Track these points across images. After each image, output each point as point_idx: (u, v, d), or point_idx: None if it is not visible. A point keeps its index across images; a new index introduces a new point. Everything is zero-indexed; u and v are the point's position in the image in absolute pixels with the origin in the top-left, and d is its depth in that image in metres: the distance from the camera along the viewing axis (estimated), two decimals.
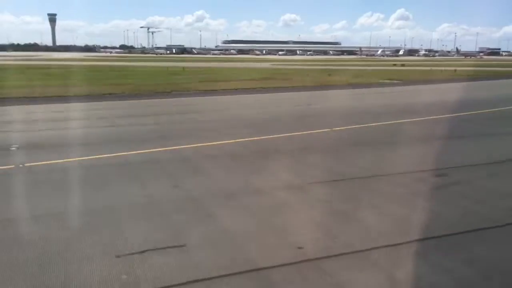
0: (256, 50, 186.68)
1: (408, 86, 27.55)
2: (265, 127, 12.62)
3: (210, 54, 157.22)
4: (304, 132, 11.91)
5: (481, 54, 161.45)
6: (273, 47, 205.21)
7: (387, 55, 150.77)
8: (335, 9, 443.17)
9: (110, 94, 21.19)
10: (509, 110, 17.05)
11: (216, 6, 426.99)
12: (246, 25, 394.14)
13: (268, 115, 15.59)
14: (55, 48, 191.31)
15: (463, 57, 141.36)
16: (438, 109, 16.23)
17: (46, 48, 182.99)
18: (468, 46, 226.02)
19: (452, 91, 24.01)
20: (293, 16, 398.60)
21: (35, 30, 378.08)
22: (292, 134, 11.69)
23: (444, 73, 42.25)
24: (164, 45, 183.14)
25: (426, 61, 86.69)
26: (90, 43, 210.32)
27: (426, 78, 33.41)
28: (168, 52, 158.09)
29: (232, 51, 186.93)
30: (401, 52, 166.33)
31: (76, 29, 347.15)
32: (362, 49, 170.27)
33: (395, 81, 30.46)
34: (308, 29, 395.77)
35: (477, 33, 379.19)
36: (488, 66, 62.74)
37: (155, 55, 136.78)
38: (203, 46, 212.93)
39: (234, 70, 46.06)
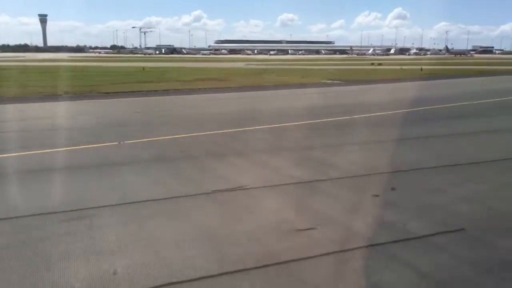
0: (247, 50, 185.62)
1: (343, 87, 26.05)
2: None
3: (199, 54, 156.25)
4: (78, 147, 9.66)
5: (472, 52, 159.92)
6: (265, 47, 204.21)
7: (377, 54, 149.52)
8: (332, 8, 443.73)
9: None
10: (394, 115, 14.87)
11: (214, 6, 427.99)
12: (243, 25, 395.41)
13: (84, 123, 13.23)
14: (45, 49, 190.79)
15: (454, 55, 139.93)
16: (313, 113, 14.16)
17: (36, 49, 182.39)
18: (464, 44, 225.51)
19: (384, 91, 22.83)
20: (290, 15, 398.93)
21: (32, 31, 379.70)
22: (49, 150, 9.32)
23: (404, 72, 40.98)
24: (155, 45, 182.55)
25: (410, 60, 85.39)
26: (88, 43, 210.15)
27: (378, 78, 32.14)
28: (157, 52, 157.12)
29: (223, 51, 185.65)
30: (392, 51, 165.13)
31: (74, 30, 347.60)
32: (353, 48, 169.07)
33: (337, 81, 29.17)
34: (305, 29, 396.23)
35: (469, 31, 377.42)
36: (465, 64, 61.42)
37: (143, 55, 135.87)
38: (200, 46, 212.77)
39: (195, 70, 44.84)
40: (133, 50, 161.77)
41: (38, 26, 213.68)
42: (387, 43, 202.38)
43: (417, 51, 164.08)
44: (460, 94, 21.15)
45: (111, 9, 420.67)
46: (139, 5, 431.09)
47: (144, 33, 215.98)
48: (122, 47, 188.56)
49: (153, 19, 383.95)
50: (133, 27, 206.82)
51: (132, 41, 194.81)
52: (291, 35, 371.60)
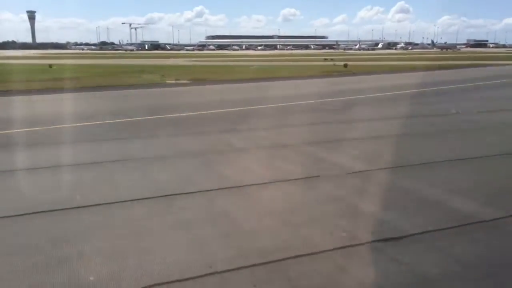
0: (234, 45, 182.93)
1: (168, 88, 22.64)
2: None
3: (183, 50, 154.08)
4: None
5: (462, 46, 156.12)
6: (256, 42, 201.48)
7: (363, 49, 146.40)
8: (335, 2, 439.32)
9: None
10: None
11: (216, 1, 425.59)
12: (246, 20, 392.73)
13: None
14: (32, 45, 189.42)
15: (440, 50, 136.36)
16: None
17: (22, 46, 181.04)
18: (464, 37, 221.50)
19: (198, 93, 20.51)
20: (292, 10, 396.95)
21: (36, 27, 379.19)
22: None
23: (318, 69, 38.02)
24: (140, 41, 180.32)
25: (377, 55, 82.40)
26: (91, 40, 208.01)
27: (262, 76, 29.04)
28: (140, 48, 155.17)
29: (211, 46, 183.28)
30: (380, 46, 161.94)
31: (76, 26, 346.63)
32: (339, 42, 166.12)
33: (184, 82, 25.92)
34: (308, 24, 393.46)
35: (460, 23, 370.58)
36: (425, 59, 58.29)
37: (124, 51, 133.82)
38: (192, 42, 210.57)
39: (130, 67, 42.04)
40: (114, 47, 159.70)
41: (41, 24, 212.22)
42: (390, 38, 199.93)
43: (405, 45, 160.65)
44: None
45: (113, 5, 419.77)
46: (141, 1, 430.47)
47: (135, 29, 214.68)
48: (113, 44, 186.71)
49: (155, 15, 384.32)
50: (123, 23, 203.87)
51: (132, 38, 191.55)
52: (279, 29, 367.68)
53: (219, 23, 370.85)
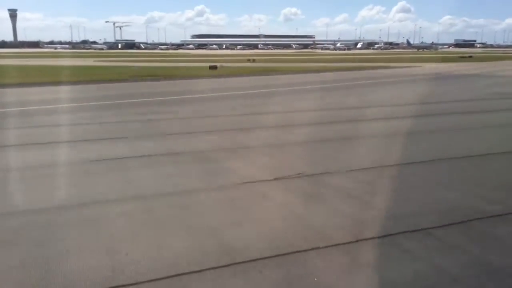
0: (213, 45, 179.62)
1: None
2: None
3: (157, 49, 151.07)
4: None
5: (442, 46, 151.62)
6: (241, 42, 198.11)
7: (340, 49, 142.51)
8: (336, 2, 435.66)
9: None
10: None
11: (217, 0, 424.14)
12: (247, 20, 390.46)
13: None
14: (13, 44, 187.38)
15: (416, 49, 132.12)
16: None
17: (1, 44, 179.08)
18: (465, 37, 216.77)
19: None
20: (293, 10, 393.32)
21: (34, 26, 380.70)
22: None
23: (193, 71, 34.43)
24: (114, 39, 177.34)
25: (335, 55, 78.70)
26: (91, 39, 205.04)
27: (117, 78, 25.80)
28: (113, 47, 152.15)
29: (190, 46, 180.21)
30: (359, 45, 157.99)
31: (77, 25, 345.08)
32: (316, 42, 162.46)
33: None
34: (309, 23, 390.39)
35: (445, 24, 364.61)
36: (371, 61, 54.59)
37: (94, 50, 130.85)
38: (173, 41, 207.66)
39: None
40: (85, 46, 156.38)
41: (43, 22, 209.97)
42: (392, 37, 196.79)
43: (384, 45, 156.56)
44: None
45: (115, 4, 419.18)
46: (143, 0, 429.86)
47: (120, 28, 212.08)
48: (94, 42, 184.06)
49: (156, 14, 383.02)
50: (106, 22, 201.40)
51: (117, 36, 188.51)
52: (259, 29, 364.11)
53: (220, 22, 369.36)
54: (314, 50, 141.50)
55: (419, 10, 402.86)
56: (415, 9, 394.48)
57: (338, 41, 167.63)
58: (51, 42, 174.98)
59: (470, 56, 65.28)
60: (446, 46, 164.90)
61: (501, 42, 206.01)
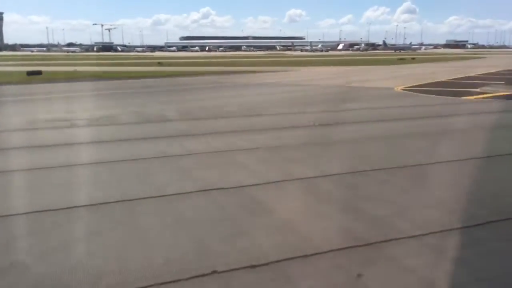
0: (194, 46, 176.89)
1: None
2: None
3: (133, 51, 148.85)
4: None
5: (422, 47, 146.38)
6: (230, 43, 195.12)
7: (317, 50, 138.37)
8: (341, 3, 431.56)
9: None
10: None
11: (222, 2, 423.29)
12: (252, 21, 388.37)
13: None
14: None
15: (394, 51, 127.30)
16: None
17: None
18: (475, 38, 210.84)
19: None
20: (298, 11, 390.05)
21: (42, 30, 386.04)
22: None
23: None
24: (93, 42, 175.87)
25: (289, 57, 74.74)
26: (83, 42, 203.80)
27: None
28: (89, 49, 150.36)
29: (172, 48, 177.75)
30: (340, 47, 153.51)
31: (85, 29, 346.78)
32: (295, 44, 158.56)
33: None
34: (314, 24, 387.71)
35: (452, 24, 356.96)
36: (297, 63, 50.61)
37: (66, 53, 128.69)
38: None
39: None
40: (51, 48, 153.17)
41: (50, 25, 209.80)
42: (399, 38, 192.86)
43: (365, 46, 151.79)
44: None
45: (121, 7, 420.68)
46: (148, 3, 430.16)
47: (109, 30, 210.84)
48: (71, 44, 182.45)
49: (162, 16, 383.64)
50: (94, 24, 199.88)
51: (105, 38, 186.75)
52: (242, 30, 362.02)
53: (226, 24, 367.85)
54: (292, 52, 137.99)
55: (424, 11, 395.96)
56: (420, 9, 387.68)
57: (319, 42, 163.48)
58: (28, 45, 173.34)
59: (411, 58, 60.99)
60: (431, 47, 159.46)
61: (493, 43, 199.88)
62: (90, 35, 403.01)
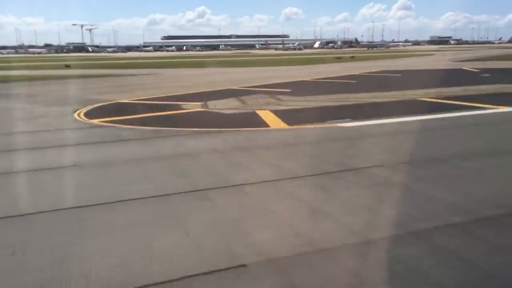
0: (173, 46, 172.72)
1: None
2: None
3: (104, 52, 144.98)
4: None
5: (406, 43, 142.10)
6: (211, 43, 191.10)
7: (290, 48, 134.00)
8: (336, 0, 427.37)
9: None
10: None
11: (218, 1, 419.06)
12: (248, 20, 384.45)
13: None
14: None
15: (366, 48, 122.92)
16: None
17: None
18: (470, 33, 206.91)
19: None
20: (294, 9, 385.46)
21: (38, 30, 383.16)
22: None
23: None
24: (65, 42, 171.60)
25: (226, 56, 70.65)
26: (95, 42, 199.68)
27: None
28: (53, 51, 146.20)
29: (149, 48, 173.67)
30: (316, 45, 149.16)
31: (79, 29, 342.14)
32: (269, 42, 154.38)
33: None
34: (310, 22, 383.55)
35: (447, 20, 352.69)
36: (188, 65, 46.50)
37: (32, 55, 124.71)
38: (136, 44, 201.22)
39: None
40: (19, 50, 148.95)
41: (45, 26, 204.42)
42: (394, 35, 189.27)
43: (342, 44, 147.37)
44: None
45: (116, 7, 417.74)
46: (144, 3, 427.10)
47: (90, 31, 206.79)
48: (49, 45, 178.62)
49: (158, 16, 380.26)
50: (73, 25, 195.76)
51: (86, 39, 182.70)
52: (219, 29, 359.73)
53: (222, 23, 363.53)
54: (262, 51, 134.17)
55: (420, 7, 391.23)
56: (416, 6, 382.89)
57: (296, 40, 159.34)
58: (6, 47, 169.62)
59: (350, 57, 57.05)
60: (410, 44, 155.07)
61: (477, 39, 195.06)
62: (84, 36, 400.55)
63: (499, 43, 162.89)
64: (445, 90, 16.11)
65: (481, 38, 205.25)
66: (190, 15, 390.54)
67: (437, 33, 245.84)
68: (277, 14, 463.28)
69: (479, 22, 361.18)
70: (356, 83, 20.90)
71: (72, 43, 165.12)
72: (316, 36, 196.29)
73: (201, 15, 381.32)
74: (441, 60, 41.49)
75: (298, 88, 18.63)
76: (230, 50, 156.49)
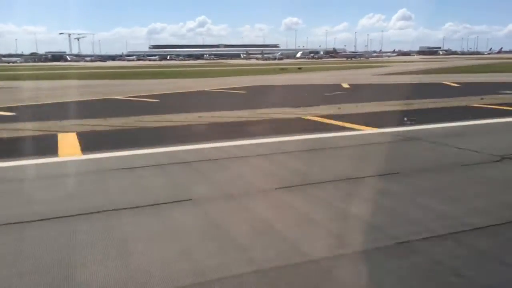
0: (157, 55, 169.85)
1: None
2: None
3: (83, 61, 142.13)
4: None
5: (390, 54, 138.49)
6: (199, 52, 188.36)
7: (268, 58, 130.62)
8: (337, 11, 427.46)
9: None
10: None
11: (218, 11, 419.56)
12: (248, 30, 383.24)
13: None
14: None
15: (345, 59, 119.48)
16: None
17: None
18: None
19: None
20: (295, 19, 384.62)
21: (41, 39, 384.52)
22: None
23: None
24: (44, 51, 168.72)
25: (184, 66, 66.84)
26: (94, 52, 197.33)
27: None
28: (36, 60, 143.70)
29: (132, 57, 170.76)
30: (298, 55, 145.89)
31: (82, 38, 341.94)
32: (249, 52, 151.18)
33: None
34: (310, 32, 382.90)
35: (447, 30, 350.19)
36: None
37: (7, 64, 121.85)
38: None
39: None
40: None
41: (47, 35, 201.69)
42: (394, 45, 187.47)
43: (325, 54, 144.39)
44: None
45: (117, 17, 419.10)
46: (144, 12, 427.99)
47: (78, 39, 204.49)
48: (34, 54, 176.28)
49: (158, 25, 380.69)
50: (60, 33, 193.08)
51: (73, 48, 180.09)
52: (204, 36, 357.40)
53: (222, 33, 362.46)
54: (246, 60, 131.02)
55: (419, 17, 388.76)
56: (416, 16, 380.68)
57: (279, 50, 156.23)
58: None
59: (297, 68, 53.25)
60: (395, 54, 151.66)
61: (465, 50, 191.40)
62: (86, 44, 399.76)
63: (489, 53, 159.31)
64: (225, 114, 11.98)
65: (470, 48, 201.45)
66: (190, 24, 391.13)
67: (438, 44, 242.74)
68: (277, 23, 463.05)
69: (479, 33, 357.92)
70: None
71: (50, 52, 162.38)
72: (320, 46, 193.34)
73: (201, 24, 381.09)
74: (367, 74, 36.26)
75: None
76: (213, 59, 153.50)
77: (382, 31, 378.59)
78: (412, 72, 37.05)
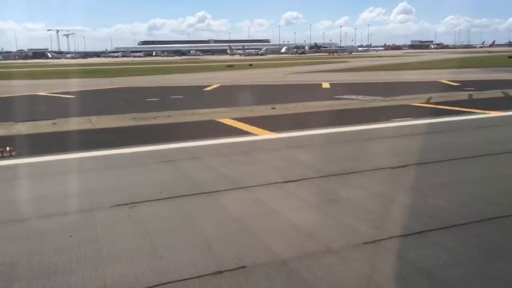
0: (142, 51, 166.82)
1: None
2: None
3: (64, 58, 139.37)
4: None
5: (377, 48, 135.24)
6: (188, 48, 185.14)
7: (251, 54, 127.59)
8: (336, 5, 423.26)
9: None
10: None
11: (218, 6, 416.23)
12: (248, 25, 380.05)
13: None
14: None
15: (327, 54, 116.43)
16: None
17: None
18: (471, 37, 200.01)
19: None
20: (294, 14, 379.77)
21: (40, 36, 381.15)
22: None
23: None
24: (26, 48, 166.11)
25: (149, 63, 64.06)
26: (96, 48, 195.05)
27: None
28: (16, 56, 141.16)
29: (117, 54, 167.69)
30: (283, 50, 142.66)
31: (83, 34, 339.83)
32: (232, 47, 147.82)
33: None
34: (310, 26, 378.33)
35: (448, 24, 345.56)
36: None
37: None
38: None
39: None
40: None
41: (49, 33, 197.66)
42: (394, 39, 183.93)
43: (309, 49, 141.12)
44: None
45: (117, 12, 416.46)
46: (144, 8, 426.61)
47: (67, 36, 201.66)
48: (20, 51, 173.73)
49: (158, 21, 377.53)
50: (48, 30, 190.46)
51: (62, 45, 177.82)
52: (191, 31, 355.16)
53: (222, 28, 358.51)
54: (230, 55, 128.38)
55: (420, 11, 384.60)
56: (417, 10, 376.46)
57: (265, 45, 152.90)
58: None
59: (248, 64, 50.24)
60: (382, 48, 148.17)
61: (457, 43, 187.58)
62: (84, 41, 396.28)
63: (481, 47, 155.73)
64: None
65: (462, 42, 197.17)
66: (190, 19, 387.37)
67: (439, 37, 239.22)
68: (277, 18, 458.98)
69: (480, 26, 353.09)
70: None
71: (32, 49, 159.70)
72: (331, 39, 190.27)
73: (201, 19, 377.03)
74: (286, 72, 32.57)
75: None
76: (199, 55, 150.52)
77: (379, 25, 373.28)
78: (337, 70, 33.88)
